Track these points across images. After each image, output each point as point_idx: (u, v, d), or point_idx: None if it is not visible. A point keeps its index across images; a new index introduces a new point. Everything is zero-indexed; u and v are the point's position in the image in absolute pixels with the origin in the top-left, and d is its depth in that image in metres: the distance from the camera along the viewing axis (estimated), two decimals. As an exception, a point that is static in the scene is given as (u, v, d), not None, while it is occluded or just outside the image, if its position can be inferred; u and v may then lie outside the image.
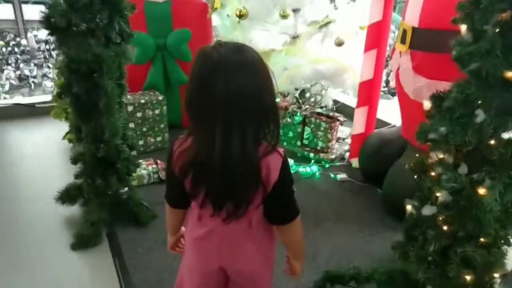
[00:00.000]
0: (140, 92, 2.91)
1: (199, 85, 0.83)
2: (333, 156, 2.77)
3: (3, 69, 14.97)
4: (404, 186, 1.64)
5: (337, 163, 2.76)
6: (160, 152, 2.87)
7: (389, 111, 3.38)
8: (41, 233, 1.99)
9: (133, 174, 2.06)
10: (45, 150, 2.89)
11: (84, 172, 1.93)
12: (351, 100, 3.58)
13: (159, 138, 2.88)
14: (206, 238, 0.99)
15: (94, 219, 1.93)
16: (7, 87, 14.25)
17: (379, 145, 2.43)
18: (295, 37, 2.98)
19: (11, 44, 16.11)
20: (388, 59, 2.49)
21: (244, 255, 1.01)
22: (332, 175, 2.59)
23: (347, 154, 2.81)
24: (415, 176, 1.33)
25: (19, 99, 12.70)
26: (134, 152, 2.01)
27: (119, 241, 1.93)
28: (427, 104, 1.30)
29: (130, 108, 2.67)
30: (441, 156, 1.21)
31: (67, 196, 2.09)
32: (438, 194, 1.18)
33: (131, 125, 2.70)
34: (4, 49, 15.68)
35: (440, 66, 1.85)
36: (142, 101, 2.72)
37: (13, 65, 15.26)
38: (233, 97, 0.79)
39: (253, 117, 0.82)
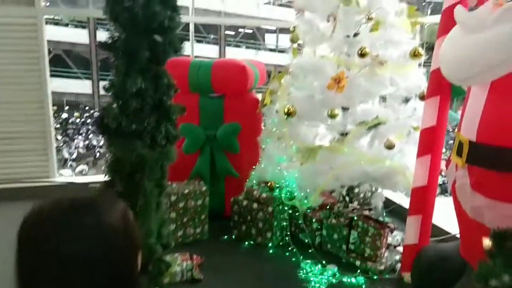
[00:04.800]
0: (185, 181, 2.94)
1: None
2: (382, 267, 2.51)
3: (74, 138, 16.33)
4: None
5: (387, 275, 2.49)
6: (199, 244, 2.81)
7: (446, 213, 3.07)
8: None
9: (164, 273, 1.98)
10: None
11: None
12: (407, 201, 3.35)
13: (198, 230, 2.83)
14: None
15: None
16: (74, 155, 15.38)
17: (435, 262, 2.17)
18: (343, 134, 2.93)
19: (84, 116, 17.72)
20: (442, 169, 2.33)
21: None
22: (380, 290, 2.33)
23: (399, 265, 2.54)
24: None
25: (83, 167, 13.51)
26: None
27: None
28: (487, 243, 1.13)
29: (173, 198, 2.68)
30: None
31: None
32: None
33: (173, 214, 2.70)
34: (78, 120, 17.32)
35: (502, 185, 1.67)
36: (186, 191, 2.73)
37: (83, 134, 16.62)
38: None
39: None
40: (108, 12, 1.55)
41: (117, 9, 1.53)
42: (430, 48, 2.67)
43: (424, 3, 19.02)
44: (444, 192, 6.34)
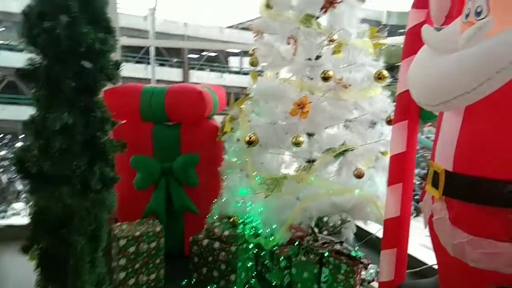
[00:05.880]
0: (137, 221, 2.64)
1: None
2: (356, 308, 2.30)
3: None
4: None
5: (362, 317, 2.28)
6: (153, 293, 2.49)
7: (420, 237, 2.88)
8: None
9: None
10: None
11: None
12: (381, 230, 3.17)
13: (152, 276, 2.51)
14: None
15: None
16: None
17: (414, 302, 1.98)
18: (310, 161, 2.74)
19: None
20: (416, 198, 2.18)
21: None
22: (356, 335, 2.10)
23: (374, 304, 2.34)
24: None
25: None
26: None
27: None
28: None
29: (122, 242, 2.36)
30: None
31: None
32: None
33: (122, 261, 2.38)
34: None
35: (484, 220, 1.51)
36: (137, 233, 2.43)
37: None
38: None
39: None
40: (24, 35, 1.29)
41: (35, 31, 1.27)
42: (388, 69, 2.59)
43: (380, 26, 19.81)
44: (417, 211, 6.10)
